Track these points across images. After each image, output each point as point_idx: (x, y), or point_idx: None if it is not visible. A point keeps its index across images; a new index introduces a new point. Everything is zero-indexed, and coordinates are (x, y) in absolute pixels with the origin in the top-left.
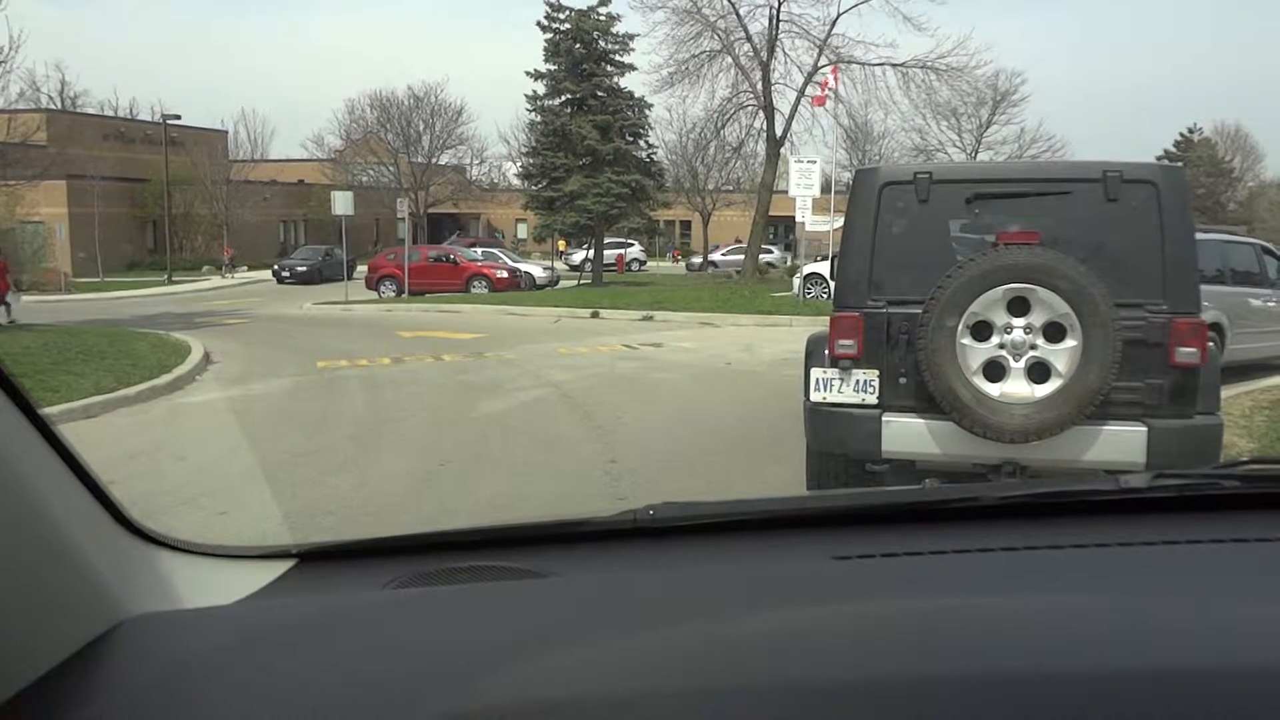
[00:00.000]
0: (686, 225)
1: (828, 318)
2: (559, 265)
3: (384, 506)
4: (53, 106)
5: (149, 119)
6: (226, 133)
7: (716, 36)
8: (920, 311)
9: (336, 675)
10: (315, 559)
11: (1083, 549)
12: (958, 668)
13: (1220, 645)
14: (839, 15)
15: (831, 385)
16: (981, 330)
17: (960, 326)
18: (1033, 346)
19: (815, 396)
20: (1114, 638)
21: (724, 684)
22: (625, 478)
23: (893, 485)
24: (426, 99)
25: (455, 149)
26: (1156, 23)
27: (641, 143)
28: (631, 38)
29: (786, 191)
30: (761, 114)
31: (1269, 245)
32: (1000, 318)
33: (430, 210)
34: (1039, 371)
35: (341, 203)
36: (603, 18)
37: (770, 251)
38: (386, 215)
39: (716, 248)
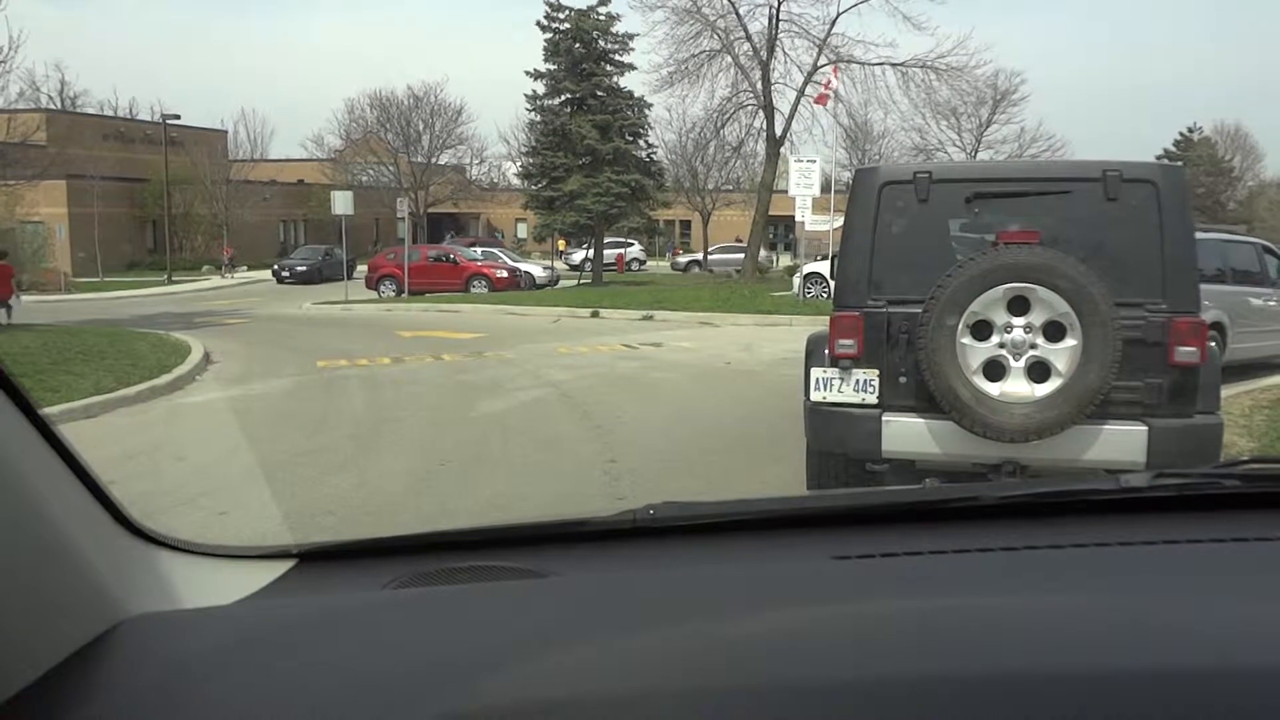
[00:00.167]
0: (686, 225)
1: (827, 317)
2: (559, 265)
3: (384, 506)
4: (52, 106)
5: (149, 119)
6: (226, 132)
7: (716, 36)
8: (920, 311)
9: (336, 675)
10: (315, 559)
11: (1083, 549)
12: (958, 668)
13: (1220, 645)
14: (839, 15)
15: (831, 385)
16: (981, 329)
17: (960, 326)
18: (1033, 346)
19: (815, 396)
20: (1114, 638)
21: (724, 684)
22: (625, 477)
23: (893, 485)
24: (426, 99)
25: (455, 149)
26: (1156, 22)
27: (641, 142)
28: (631, 37)
29: (786, 191)
30: (761, 113)
31: (1270, 245)
32: (1000, 317)
33: (430, 210)
34: (1039, 371)
35: (341, 202)
36: (602, 17)
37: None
38: (386, 215)
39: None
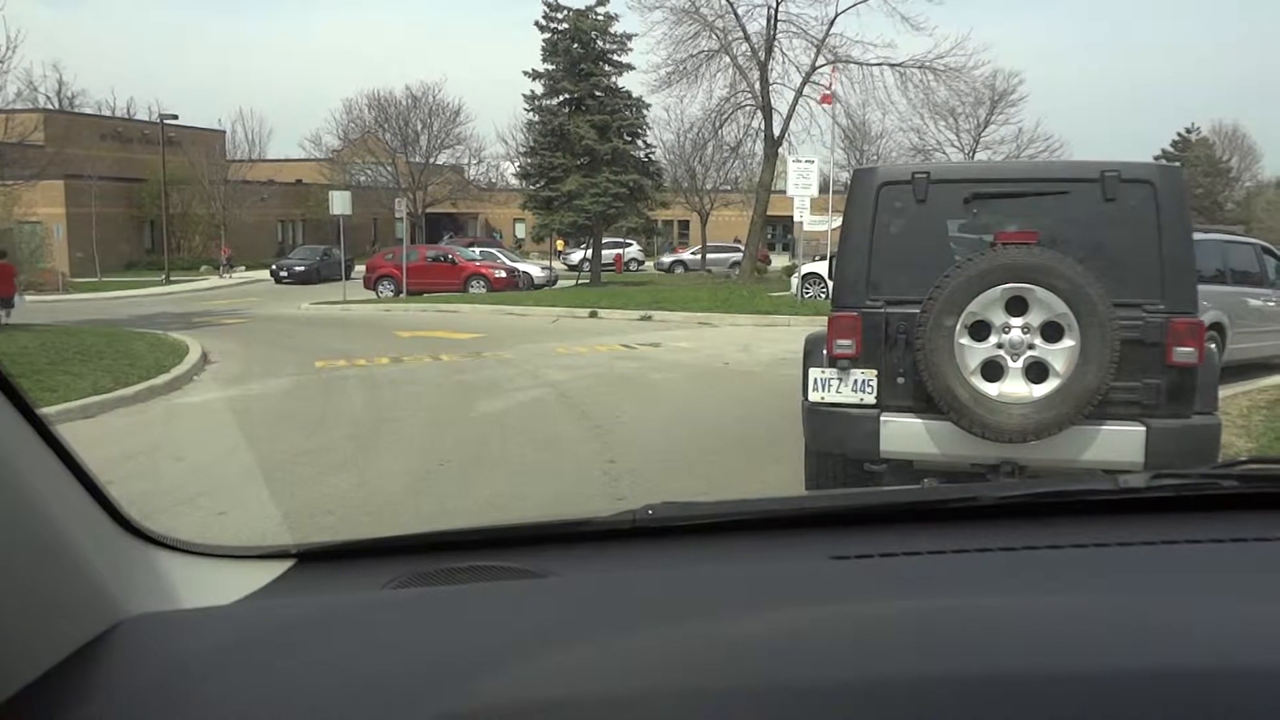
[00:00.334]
0: (685, 225)
1: (826, 318)
2: (557, 265)
3: (383, 506)
4: (50, 106)
5: (146, 119)
6: (224, 132)
7: (714, 36)
8: (918, 311)
9: (335, 675)
10: (314, 559)
11: (1081, 549)
12: (957, 668)
13: (1219, 645)
14: (837, 15)
15: (830, 385)
16: (980, 330)
17: (958, 326)
18: (1031, 346)
19: (814, 396)
20: (1113, 638)
21: (723, 684)
22: (624, 477)
23: (891, 485)
24: (424, 99)
25: (453, 149)
26: (1154, 22)
27: (639, 142)
28: (629, 37)
29: (784, 191)
30: (759, 114)
31: (1269, 245)
32: (998, 317)
33: (428, 210)
34: (1037, 371)
35: (339, 202)
36: (601, 17)
37: (739, 250)
38: (384, 215)
39: (673, 248)
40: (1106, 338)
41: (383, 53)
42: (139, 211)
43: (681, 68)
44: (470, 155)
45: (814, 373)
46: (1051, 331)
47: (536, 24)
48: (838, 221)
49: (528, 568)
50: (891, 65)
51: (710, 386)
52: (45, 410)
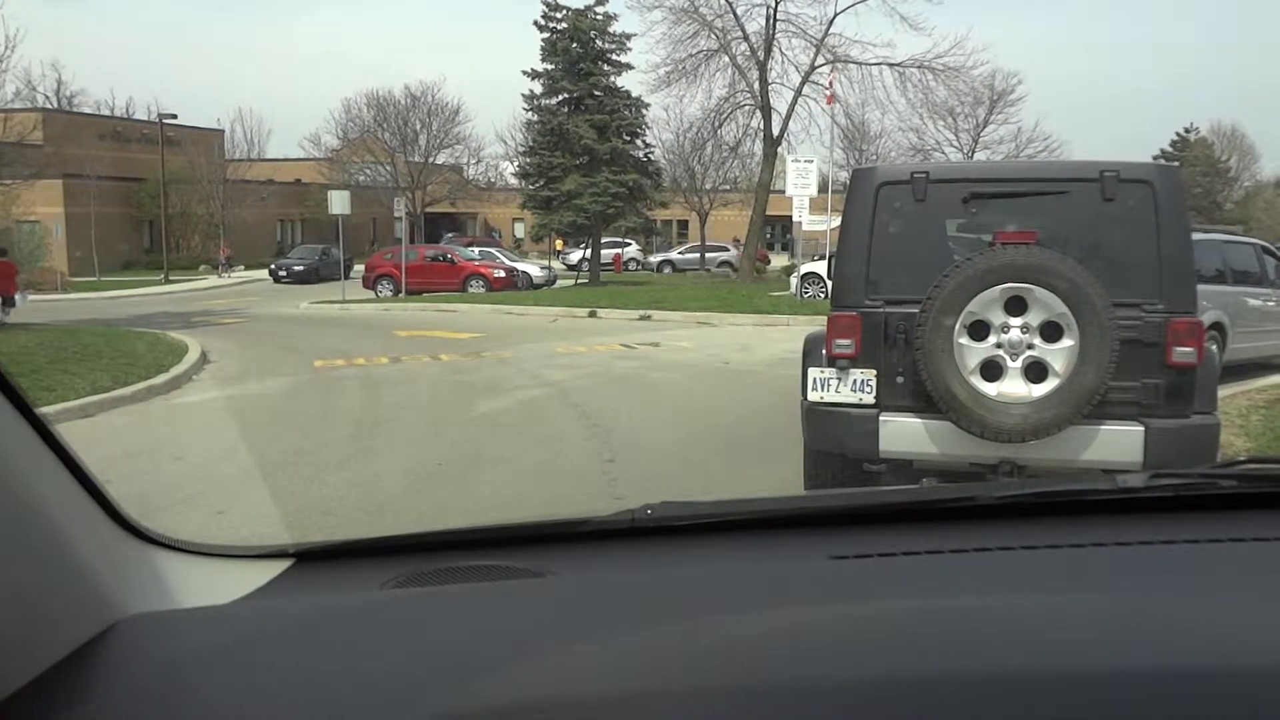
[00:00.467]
0: (684, 225)
1: (825, 317)
2: (556, 265)
3: (382, 506)
4: (49, 106)
5: (145, 118)
6: (223, 132)
7: (713, 36)
8: (918, 311)
9: (334, 675)
10: (313, 558)
11: (1080, 549)
12: (955, 667)
13: (1219, 645)
14: (836, 15)
15: (829, 385)
16: (979, 330)
17: (958, 326)
18: (1030, 346)
19: (813, 396)
20: (1112, 638)
21: (721, 683)
22: (623, 477)
23: (890, 485)
24: (423, 98)
25: (452, 148)
26: (1154, 22)
27: (639, 142)
28: (628, 37)
29: (784, 191)
30: (758, 113)
31: (1269, 245)
32: (997, 317)
33: (427, 210)
34: (1036, 371)
35: (338, 202)
36: (600, 17)
37: (725, 250)
38: (383, 214)
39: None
40: (1105, 338)
41: (382, 52)
42: (138, 211)
43: (680, 67)
44: (469, 155)
45: (813, 372)
46: (1050, 331)
47: (535, 24)
48: (837, 221)
49: (527, 567)
50: (890, 65)
51: (710, 386)
52: (44, 409)
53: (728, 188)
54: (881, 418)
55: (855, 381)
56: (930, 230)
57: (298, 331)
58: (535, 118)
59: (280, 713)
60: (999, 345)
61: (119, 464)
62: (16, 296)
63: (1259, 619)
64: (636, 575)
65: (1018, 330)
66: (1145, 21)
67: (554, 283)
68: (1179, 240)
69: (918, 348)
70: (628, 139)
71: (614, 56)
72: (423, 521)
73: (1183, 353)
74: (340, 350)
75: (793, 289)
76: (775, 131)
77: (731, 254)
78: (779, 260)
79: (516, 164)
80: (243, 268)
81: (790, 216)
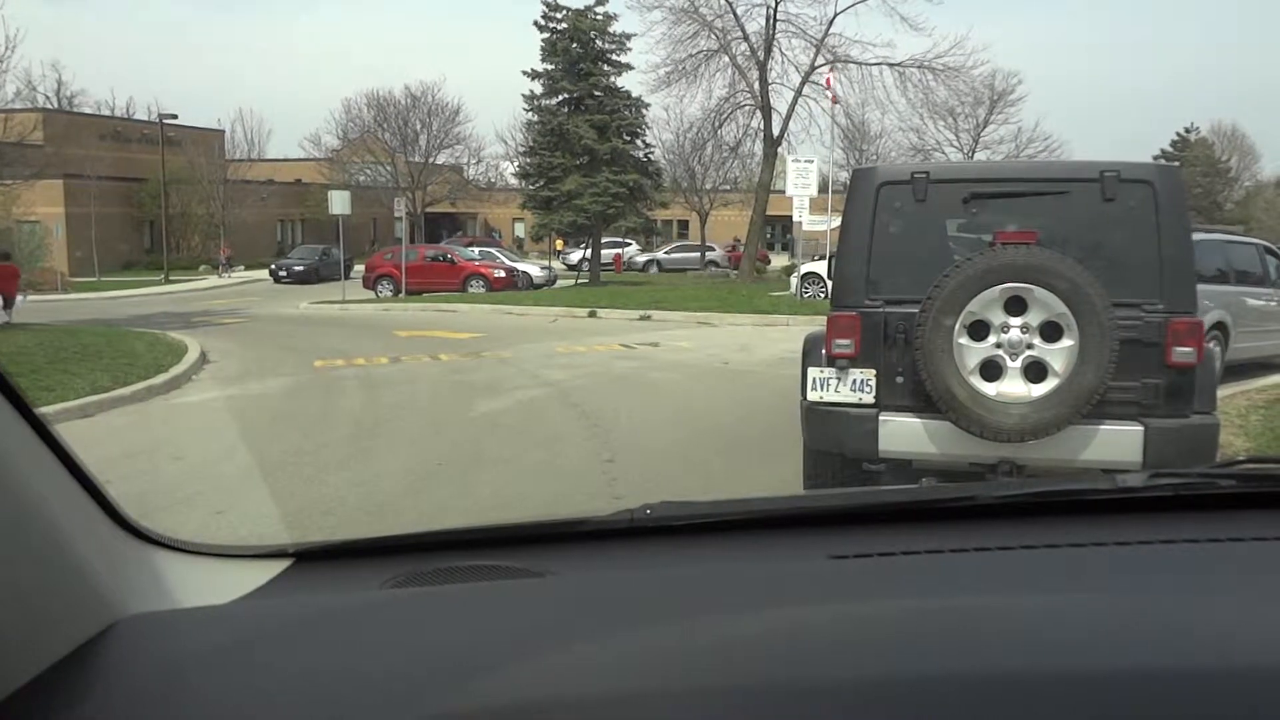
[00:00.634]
0: (684, 225)
1: (825, 317)
2: (556, 265)
3: (382, 506)
4: (49, 106)
5: (145, 118)
6: (223, 132)
7: (713, 36)
8: (917, 311)
9: (333, 675)
10: (312, 558)
11: (1079, 548)
12: (954, 667)
13: (1218, 645)
14: (836, 15)
15: (829, 384)
16: (978, 330)
17: (957, 326)
18: (1029, 346)
19: (812, 396)
20: (1111, 637)
21: (720, 683)
22: (623, 477)
23: (889, 485)
24: (423, 98)
25: (452, 148)
26: (1154, 22)
27: (639, 142)
28: (628, 37)
29: (784, 191)
30: (758, 113)
31: (1270, 245)
32: (997, 317)
33: (427, 210)
34: (1036, 371)
35: (339, 202)
36: (600, 17)
37: (712, 250)
38: (384, 215)
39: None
40: (1105, 337)
41: (382, 52)
42: (138, 211)
43: (680, 67)
44: (469, 155)
45: (813, 372)
46: (1050, 331)
47: (535, 24)
48: (837, 221)
49: (526, 567)
50: (890, 65)
51: (709, 386)
52: (43, 409)
53: (728, 188)
54: (881, 417)
55: (855, 381)
56: (930, 230)
57: (298, 331)
58: (535, 118)
59: (279, 712)
60: (999, 345)
61: (118, 464)
62: (18, 298)
63: (1258, 619)
64: (635, 575)
65: (1017, 330)
66: (1145, 21)
67: (554, 283)
68: (1179, 240)
69: (917, 348)
70: (628, 139)
71: (614, 57)
72: (422, 521)
73: (1182, 353)
74: (340, 350)
75: (793, 289)
76: (775, 131)
77: (717, 253)
78: (779, 260)
79: (516, 164)
80: (243, 268)
81: (790, 216)
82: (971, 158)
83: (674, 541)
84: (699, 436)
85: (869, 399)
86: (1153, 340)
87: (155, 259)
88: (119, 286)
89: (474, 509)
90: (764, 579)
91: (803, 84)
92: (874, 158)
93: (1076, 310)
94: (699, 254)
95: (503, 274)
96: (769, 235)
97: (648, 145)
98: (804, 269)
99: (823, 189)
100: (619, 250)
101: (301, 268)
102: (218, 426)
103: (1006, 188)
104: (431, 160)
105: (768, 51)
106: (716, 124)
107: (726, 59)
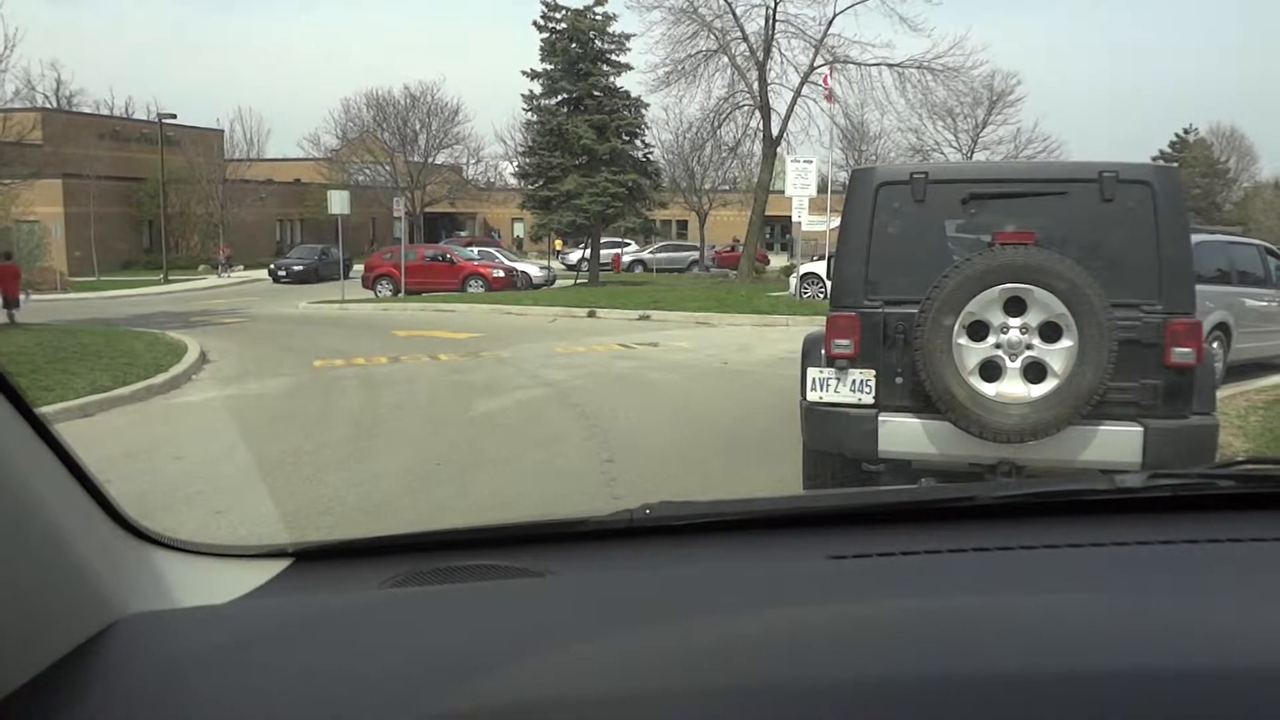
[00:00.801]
0: (684, 225)
1: (824, 318)
2: (555, 265)
3: (380, 506)
4: (48, 105)
5: (145, 118)
6: (222, 132)
7: (713, 36)
8: (917, 311)
9: (332, 674)
10: (311, 558)
11: (1079, 549)
12: (954, 667)
13: (1217, 645)
14: (835, 15)
15: (828, 385)
16: (978, 330)
17: (957, 326)
18: (1029, 346)
19: (812, 396)
20: (1110, 638)
21: (719, 683)
22: (622, 477)
23: (889, 485)
24: (423, 98)
25: (451, 148)
26: (1153, 24)
27: (638, 142)
28: (628, 37)
29: (783, 191)
30: (758, 114)
31: (1271, 246)
32: (996, 317)
33: (426, 209)
34: (1035, 371)
35: (338, 202)
36: (599, 17)
37: (695, 249)
38: (383, 214)
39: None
40: (1104, 338)
41: (382, 52)
42: (137, 211)
43: (680, 68)
44: (469, 155)
45: (812, 372)
46: (1049, 332)
47: (535, 24)
48: (836, 221)
49: (525, 567)
50: (889, 65)
51: (709, 386)
52: (43, 409)
53: (727, 188)
54: (880, 418)
55: (854, 381)
56: (929, 231)
57: (297, 331)
58: (535, 118)
59: (278, 712)
60: (998, 345)
61: (118, 463)
62: (20, 298)
63: (1257, 619)
64: (635, 575)
65: (1017, 331)
66: (1145, 23)
67: (553, 283)
68: (1178, 241)
69: (917, 348)
70: (627, 139)
71: (613, 57)
72: (421, 521)
73: (1181, 353)
74: (339, 350)
75: (792, 289)
76: (774, 132)
77: (705, 253)
78: (778, 260)
79: (516, 164)
80: (242, 267)
81: (789, 217)
82: (970, 158)
83: (673, 541)
84: (698, 437)
85: (868, 399)
86: (1151, 341)
87: (154, 259)
88: (118, 286)
89: (473, 509)
90: (763, 579)
91: (802, 84)
92: (873, 158)
93: (1076, 311)
94: (686, 254)
95: (502, 274)
96: (768, 235)
97: (647, 145)
98: (803, 269)
99: (822, 189)
100: (618, 250)
101: (300, 267)
102: (217, 426)
103: (1005, 188)
104: (431, 160)
105: (767, 52)
106: (715, 124)
107: (725, 59)
